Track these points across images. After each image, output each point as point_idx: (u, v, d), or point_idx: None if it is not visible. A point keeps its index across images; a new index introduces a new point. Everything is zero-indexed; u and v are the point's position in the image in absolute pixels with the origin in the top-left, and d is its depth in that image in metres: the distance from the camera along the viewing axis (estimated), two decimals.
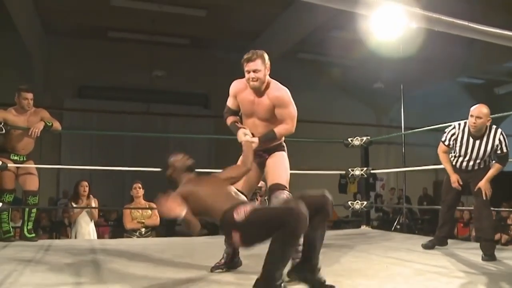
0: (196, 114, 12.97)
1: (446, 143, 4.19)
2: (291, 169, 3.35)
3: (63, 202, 10.94)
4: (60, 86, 11.73)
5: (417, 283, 2.87)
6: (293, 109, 3.13)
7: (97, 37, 11.58)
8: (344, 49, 11.41)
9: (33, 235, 4.87)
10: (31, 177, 4.85)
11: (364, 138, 6.15)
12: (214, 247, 3.33)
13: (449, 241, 4.60)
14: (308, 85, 12.73)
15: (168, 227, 10.11)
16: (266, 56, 3.12)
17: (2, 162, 4.62)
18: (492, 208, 4.15)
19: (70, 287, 2.69)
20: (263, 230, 2.39)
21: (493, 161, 4.05)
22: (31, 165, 4.88)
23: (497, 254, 3.80)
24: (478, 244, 3.96)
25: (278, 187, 3.09)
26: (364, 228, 6.38)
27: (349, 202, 6.25)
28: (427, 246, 4.37)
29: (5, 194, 4.74)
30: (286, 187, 3.11)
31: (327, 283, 2.60)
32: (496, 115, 10.42)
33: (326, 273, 3.09)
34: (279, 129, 3.11)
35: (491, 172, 3.95)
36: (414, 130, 7.03)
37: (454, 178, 4.15)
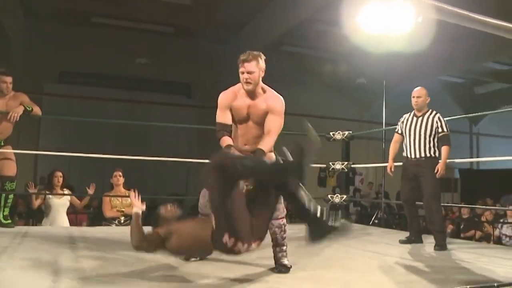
0: (179, 103, 12.88)
1: (397, 129, 4.76)
2: None
3: (40, 188, 10.80)
4: (40, 71, 11.49)
5: (396, 276, 2.92)
6: (281, 120, 3.08)
7: (80, 22, 11.37)
8: (329, 43, 11.42)
9: (10, 221, 4.80)
10: (8, 162, 4.77)
11: (346, 133, 6.20)
12: None
13: (428, 236, 4.68)
14: (291, 78, 12.73)
15: (148, 215, 10.06)
16: (261, 58, 3.08)
17: None
18: (468, 205, 4.33)
19: (48, 274, 2.66)
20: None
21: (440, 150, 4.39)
22: (9, 150, 4.79)
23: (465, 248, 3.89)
24: (454, 239, 4.06)
25: None
26: (342, 222, 6.42)
27: (329, 196, 6.30)
28: (404, 242, 4.45)
29: None
30: None
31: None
32: (474, 114, 10.55)
33: (306, 266, 3.13)
34: (266, 145, 2.99)
35: (444, 155, 4.32)
36: (394, 126, 7.07)
37: (389, 165, 4.76)
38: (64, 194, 5.71)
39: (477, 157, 16.41)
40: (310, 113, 12.56)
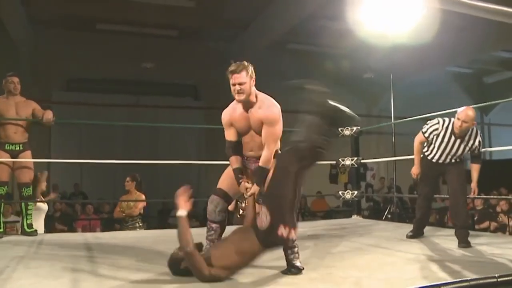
0: (186, 106, 12.91)
1: (426, 135, 4.29)
2: None
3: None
4: (48, 79, 11.60)
5: (408, 272, 2.90)
6: (278, 129, 3.08)
7: (85, 29, 11.46)
8: (334, 39, 11.38)
9: (33, 229, 4.86)
10: (26, 170, 4.84)
11: (354, 128, 6.17)
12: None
13: (442, 229, 4.67)
14: (298, 76, 12.65)
15: (161, 219, 10.13)
16: (250, 68, 3.07)
17: None
18: (482, 196, 4.25)
19: (65, 283, 2.68)
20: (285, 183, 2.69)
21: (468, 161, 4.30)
22: (27, 160, 4.84)
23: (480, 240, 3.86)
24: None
25: None
26: (355, 217, 6.43)
27: (340, 192, 6.28)
28: (412, 237, 4.44)
29: None
30: None
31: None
32: (484, 103, 10.45)
33: (318, 265, 3.13)
34: (265, 161, 3.02)
35: (475, 175, 4.20)
36: (403, 120, 7.06)
37: (416, 171, 4.45)
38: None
39: (489, 147, 16.28)
40: None
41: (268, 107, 3.06)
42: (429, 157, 4.32)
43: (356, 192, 6.20)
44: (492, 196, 9.25)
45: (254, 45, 11.32)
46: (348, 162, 6.17)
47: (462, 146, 4.11)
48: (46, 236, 5.05)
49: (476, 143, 4.09)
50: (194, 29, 11.76)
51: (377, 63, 11.88)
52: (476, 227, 8.14)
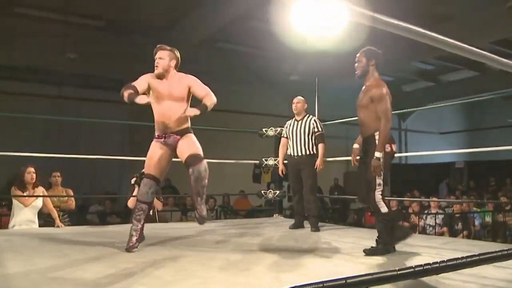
0: (111, 100, 12.54)
1: (282, 134, 5.53)
2: (205, 158, 3.48)
3: None
4: None
5: (322, 268, 3.02)
6: None
7: (2, 13, 10.78)
8: (263, 41, 11.53)
9: None
10: None
11: (279, 129, 6.29)
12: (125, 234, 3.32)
13: (358, 229, 4.89)
14: (226, 74, 12.75)
15: (80, 215, 9.78)
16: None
17: None
18: (395, 198, 4.49)
19: None
20: None
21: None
22: None
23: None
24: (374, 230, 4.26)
25: (198, 157, 3.47)
26: (276, 217, 6.55)
27: (262, 191, 6.38)
28: (293, 227, 5.20)
29: None
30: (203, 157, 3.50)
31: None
32: (403, 110, 10.97)
33: (238, 261, 3.18)
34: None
35: (320, 152, 5.14)
36: (326, 123, 7.29)
37: (280, 168, 5.63)
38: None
39: (405, 152, 17.15)
40: (245, 110, 12.68)
41: None
42: (288, 153, 5.31)
43: (278, 192, 6.32)
44: (403, 198, 9.76)
45: (183, 42, 11.22)
46: (271, 162, 6.27)
47: (302, 126, 5.21)
48: None
49: (312, 121, 5.23)
50: (123, 22, 11.47)
51: (303, 66, 12.15)
52: None
